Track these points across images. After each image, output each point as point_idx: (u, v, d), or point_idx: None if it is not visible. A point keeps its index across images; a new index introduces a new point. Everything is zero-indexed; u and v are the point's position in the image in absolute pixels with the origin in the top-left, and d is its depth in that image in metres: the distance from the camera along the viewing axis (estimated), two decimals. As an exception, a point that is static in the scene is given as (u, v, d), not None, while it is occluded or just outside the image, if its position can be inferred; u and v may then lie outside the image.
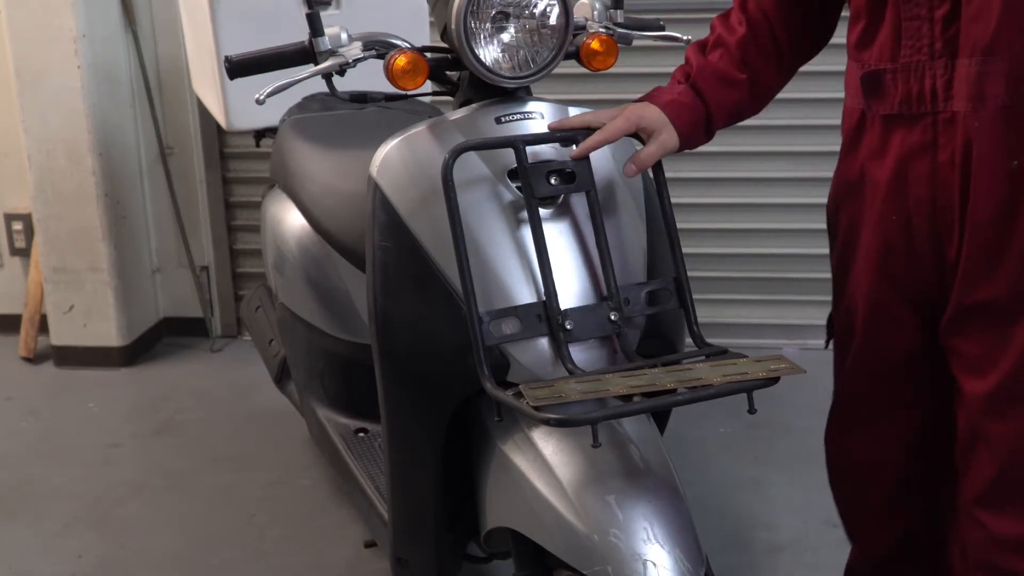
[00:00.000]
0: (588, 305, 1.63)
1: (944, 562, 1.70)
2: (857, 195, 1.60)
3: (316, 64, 1.78)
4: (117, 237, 3.68)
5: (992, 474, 1.54)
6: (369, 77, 1.89)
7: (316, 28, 1.76)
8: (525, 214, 1.61)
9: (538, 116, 1.72)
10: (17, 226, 3.93)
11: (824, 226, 1.73)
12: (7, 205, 3.95)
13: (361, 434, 2.39)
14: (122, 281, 3.72)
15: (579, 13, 1.85)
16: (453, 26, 1.66)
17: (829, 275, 1.74)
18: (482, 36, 1.68)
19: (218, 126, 3.31)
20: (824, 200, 1.72)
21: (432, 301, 1.65)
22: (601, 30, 1.86)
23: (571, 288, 1.63)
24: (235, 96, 2.82)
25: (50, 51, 3.48)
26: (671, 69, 1.77)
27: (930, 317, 1.58)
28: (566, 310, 1.60)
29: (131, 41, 3.69)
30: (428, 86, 1.85)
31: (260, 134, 2.96)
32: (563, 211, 1.68)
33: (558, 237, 1.65)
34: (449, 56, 1.77)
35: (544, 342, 1.61)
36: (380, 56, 1.75)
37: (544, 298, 1.60)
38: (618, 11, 1.88)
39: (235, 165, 3.87)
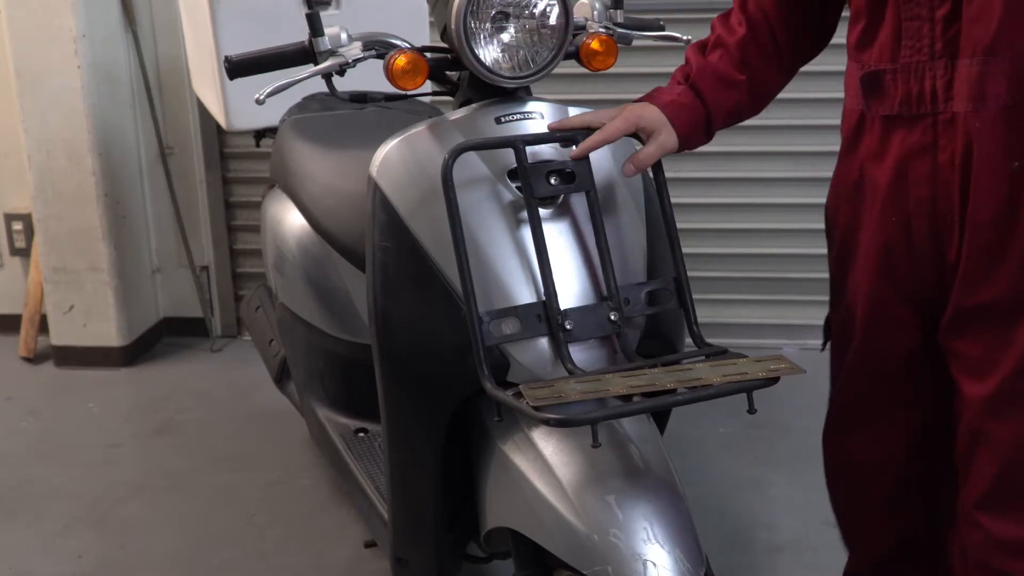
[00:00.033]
0: (588, 305, 1.62)
1: (944, 563, 1.69)
2: (857, 196, 1.60)
3: (316, 64, 1.78)
4: (117, 237, 3.68)
5: (992, 477, 1.54)
6: (369, 77, 1.89)
7: (316, 28, 1.76)
8: (525, 214, 1.61)
9: (538, 116, 1.72)
10: (17, 226, 3.93)
11: (824, 226, 1.73)
12: (7, 205, 3.95)
13: (361, 434, 2.39)
14: (122, 281, 3.72)
15: (579, 13, 1.85)
16: (453, 26, 1.66)
17: (829, 275, 1.73)
18: (482, 36, 1.68)
19: (218, 126, 3.31)
20: (824, 200, 1.71)
21: (432, 301, 1.65)
22: (601, 30, 1.86)
23: (571, 288, 1.63)
24: (235, 96, 2.82)
25: (50, 51, 3.48)
26: (671, 69, 1.77)
27: (930, 317, 1.57)
28: (566, 310, 1.60)
29: (131, 41, 3.69)
30: (428, 86, 1.85)
31: (260, 134, 2.96)
32: (563, 211, 1.68)
33: (558, 237, 1.65)
34: (449, 56, 1.77)
35: (544, 342, 1.61)
36: (380, 56, 1.75)
37: (544, 298, 1.60)
38: (618, 11, 1.88)
39: (235, 165, 3.87)
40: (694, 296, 1.70)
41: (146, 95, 3.73)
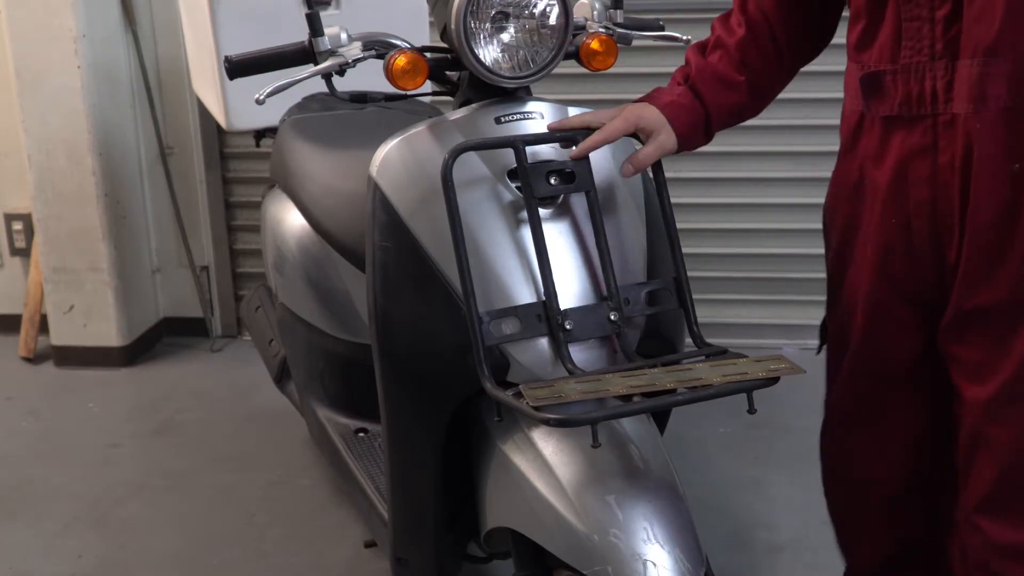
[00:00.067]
0: (588, 305, 1.62)
1: (944, 566, 1.68)
2: (856, 197, 1.59)
3: (316, 64, 1.78)
4: (117, 237, 3.68)
5: (991, 480, 1.53)
6: (369, 77, 1.89)
7: (316, 28, 1.76)
8: (525, 214, 1.61)
9: (538, 116, 1.72)
10: (17, 226, 3.93)
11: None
12: (7, 205, 3.95)
13: (361, 434, 2.39)
14: (122, 281, 3.72)
15: (579, 13, 1.85)
16: (453, 26, 1.66)
17: (826, 277, 1.72)
18: (482, 36, 1.68)
19: (218, 126, 3.31)
20: (824, 200, 1.71)
21: (432, 301, 1.65)
22: (601, 30, 1.85)
23: (571, 288, 1.63)
24: (235, 96, 2.82)
25: (50, 51, 3.48)
26: (671, 69, 1.77)
27: (931, 319, 1.57)
28: (566, 310, 1.60)
29: (131, 41, 3.69)
30: (428, 86, 1.85)
31: (260, 134, 2.96)
32: (563, 211, 1.68)
33: (558, 237, 1.65)
34: (449, 56, 1.77)
35: (544, 342, 1.61)
36: (380, 56, 1.75)
37: (544, 298, 1.60)
38: (618, 11, 1.88)
39: (235, 165, 3.87)
40: (694, 296, 1.70)
41: (146, 95, 3.73)
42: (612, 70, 1.89)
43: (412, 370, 1.71)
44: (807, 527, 2.54)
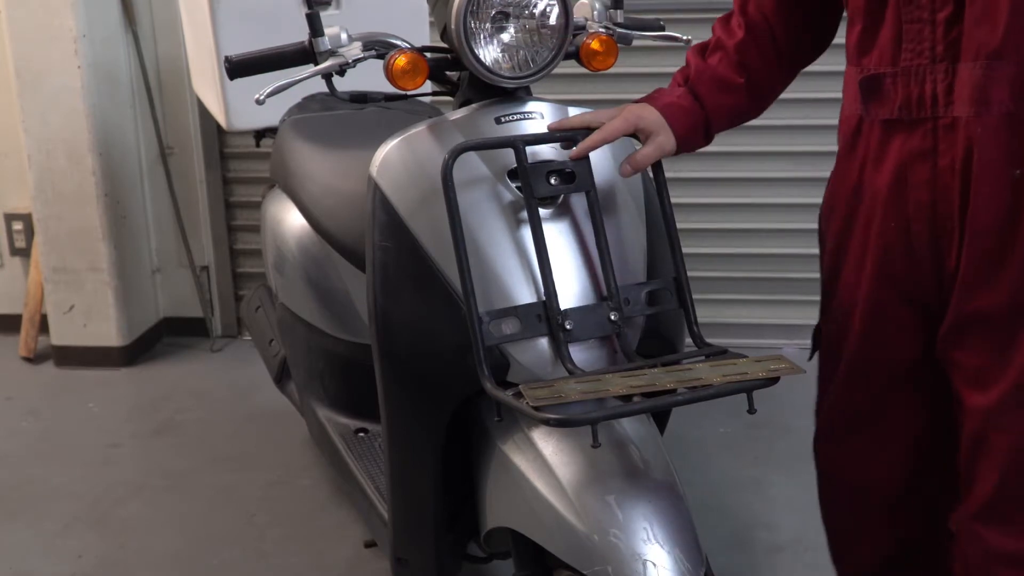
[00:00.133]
0: (588, 305, 1.62)
1: (944, 567, 1.67)
2: (854, 201, 1.58)
3: (316, 64, 1.78)
4: (117, 237, 3.68)
5: (991, 488, 1.52)
6: (369, 77, 1.89)
7: (316, 28, 1.76)
8: (525, 214, 1.61)
9: (538, 116, 1.72)
10: (17, 226, 3.93)
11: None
12: (7, 205, 3.95)
13: (361, 434, 2.39)
14: (122, 281, 3.72)
15: (579, 13, 1.85)
16: (453, 26, 1.66)
17: (821, 282, 1.71)
18: (482, 36, 1.68)
19: (218, 126, 3.31)
20: (824, 200, 1.71)
21: (432, 301, 1.65)
22: (601, 30, 1.85)
23: (571, 288, 1.63)
24: (235, 96, 2.82)
25: (50, 51, 3.48)
26: (671, 69, 1.77)
27: (930, 324, 1.55)
28: (566, 310, 1.60)
29: (131, 41, 3.69)
30: (428, 86, 1.85)
31: (260, 134, 2.96)
32: (563, 211, 1.68)
33: (558, 237, 1.65)
34: (449, 56, 1.77)
35: (544, 342, 1.61)
36: (380, 56, 1.75)
37: (544, 298, 1.60)
38: (618, 11, 1.88)
39: (235, 165, 3.87)
40: (694, 296, 1.70)
41: (146, 95, 3.73)
42: (612, 70, 1.89)
43: (412, 370, 1.71)
44: (807, 527, 2.53)
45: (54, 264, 3.68)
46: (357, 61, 1.76)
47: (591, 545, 1.45)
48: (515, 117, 1.71)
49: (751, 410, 1.49)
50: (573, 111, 1.74)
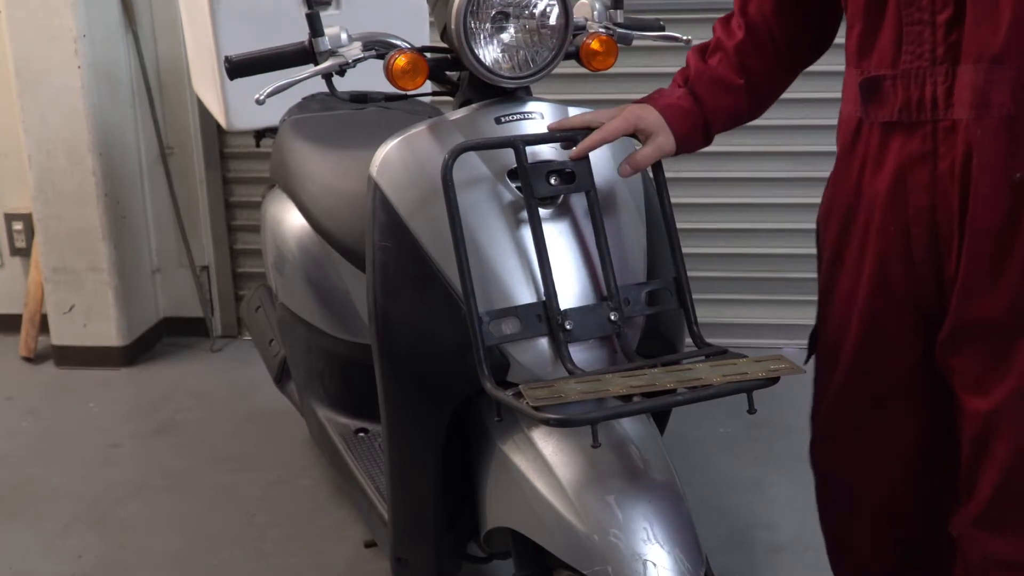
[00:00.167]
0: (588, 305, 1.62)
1: (945, 568, 1.67)
2: (853, 204, 1.57)
3: (316, 64, 1.78)
4: (117, 237, 3.68)
5: (991, 493, 1.51)
6: (369, 77, 1.89)
7: (316, 28, 1.76)
8: (525, 214, 1.61)
9: (538, 116, 1.72)
10: (17, 226, 3.93)
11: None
12: (7, 205, 3.95)
13: (361, 434, 2.39)
14: (122, 281, 3.72)
15: (579, 13, 1.85)
16: (453, 26, 1.66)
17: (818, 286, 1.70)
18: (482, 36, 1.68)
19: (218, 126, 3.31)
20: (824, 200, 1.70)
21: (432, 301, 1.65)
22: (601, 30, 1.85)
23: (571, 288, 1.63)
24: (235, 96, 2.82)
25: (50, 51, 3.48)
26: (671, 69, 1.77)
27: (929, 330, 1.54)
28: (566, 310, 1.60)
29: (131, 41, 3.69)
30: (428, 86, 1.85)
31: (260, 134, 2.96)
32: (563, 211, 1.68)
33: (558, 237, 1.65)
34: (449, 56, 1.77)
35: (544, 342, 1.61)
36: (380, 56, 1.75)
37: (544, 298, 1.60)
38: (618, 11, 1.88)
39: (235, 165, 3.87)
40: (694, 296, 1.70)
41: (146, 95, 3.73)
42: (612, 70, 1.89)
43: (412, 370, 1.71)
44: (807, 527, 2.52)
45: (54, 264, 3.68)
46: (357, 61, 1.76)
47: (591, 545, 1.45)
48: (515, 117, 1.71)
49: (751, 410, 1.49)
50: (573, 111, 1.74)
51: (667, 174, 1.70)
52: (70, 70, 3.49)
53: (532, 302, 1.60)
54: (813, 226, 1.71)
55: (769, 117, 1.80)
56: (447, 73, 1.82)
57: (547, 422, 1.41)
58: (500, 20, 1.69)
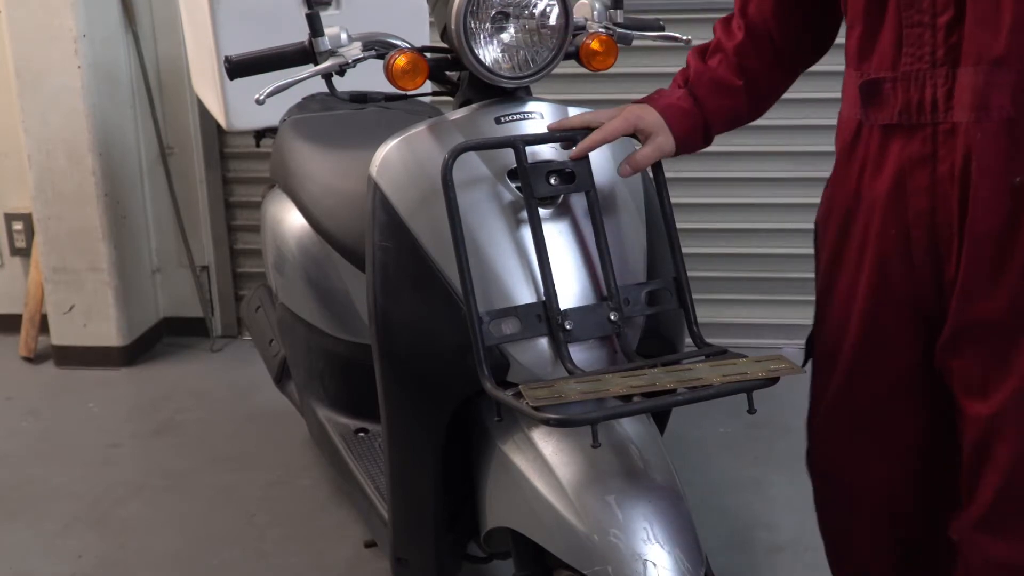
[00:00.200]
0: (588, 305, 1.62)
1: (946, 569, 1.67)
2: (852, 206, 1.56)
3: (316, 64, 1.78)
4: (117, 237, 3.68)
5: (992, 497, 1.50)
6: (369, 77, 1.89)
7: (316, 28, 1.76)
8: (525, 214, 1.61)
9: (538, 116, 1.72)
10: (17, 226, 3.93)
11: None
12: (7, 205, 3.95)
13: (361, 434, 2.39)
14: (122, 281, 3.72)
15: (579, 13, 1.85)
16: (453, 26, 1.66)
17: (816, 290, 1.69)
18: (482, 36, 1.68)
19: (218, 126, 3.31)
20: (824, 199, 1.70)
21: (432, 301, 1.65)
22: (601, 30, 1.85)
23: (571, 288, 1.63)
24: (235, 96, 2.82)
25: (50, 51, 3.48)
26: (671, 69, 1.77)
27: (929, 330, 1.53)
28: (566, 310, 1.60)
29: (131, 41, 3.69)
30: (428, 86, 1.85)
31: (260, 134, 2.96)
32: (563, 211, 1.68)
33: (558, 237, 1.65)
34: (449, 56, 1.77)
35: (544, 342, 1.61)
36: (380, 56, 1.75)
37: (544, 298, 1.60)
38: (618, 11, 1.88)
39: (235, 165, 3.87)
40: (694, 296, 1.70)
41: (146, 95, 3.73)
42: (612, 70, 1.89)
43: (412, 370, 1.71)
44: (807, 527, 2.52)
45: (54, 264, 3.68)
46: (357, 61, 1.76)
47: (591, 545, 1.45)
48: (515, 117, 1.71)
49: (751, 410, 1.49)
50: (573, 111, 1.74)
51: (667, 174, 1.70)
52: (70, 70, 3.49)
53: (532, 302, 1.60)
54: (813, 226, 1.71)
55: (769, 117, 1.80)
56: (447, 73, 1.82)
57: (547, 422, 1.41)
58: (500, 20, 1.69)
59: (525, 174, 1.60)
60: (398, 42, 1.78)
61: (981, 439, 1.50)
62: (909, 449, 1.65)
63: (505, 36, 1.70)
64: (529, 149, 1.62)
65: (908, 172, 1.47)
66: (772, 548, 2.55)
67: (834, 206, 1.61)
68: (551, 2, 1.69)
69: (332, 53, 1.76)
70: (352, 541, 2.60)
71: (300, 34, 1.79)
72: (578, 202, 1.67)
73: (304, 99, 2.73)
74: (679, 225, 1.72)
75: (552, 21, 1.69)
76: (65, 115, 3.53)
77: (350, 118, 2.62)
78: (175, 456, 3.10)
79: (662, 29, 1.98)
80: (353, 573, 2.51)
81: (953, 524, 1.59)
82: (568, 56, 1.77)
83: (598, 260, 1.64)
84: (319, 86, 1.82)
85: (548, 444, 1.57)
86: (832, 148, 1.65)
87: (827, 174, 1.65)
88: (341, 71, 1.77)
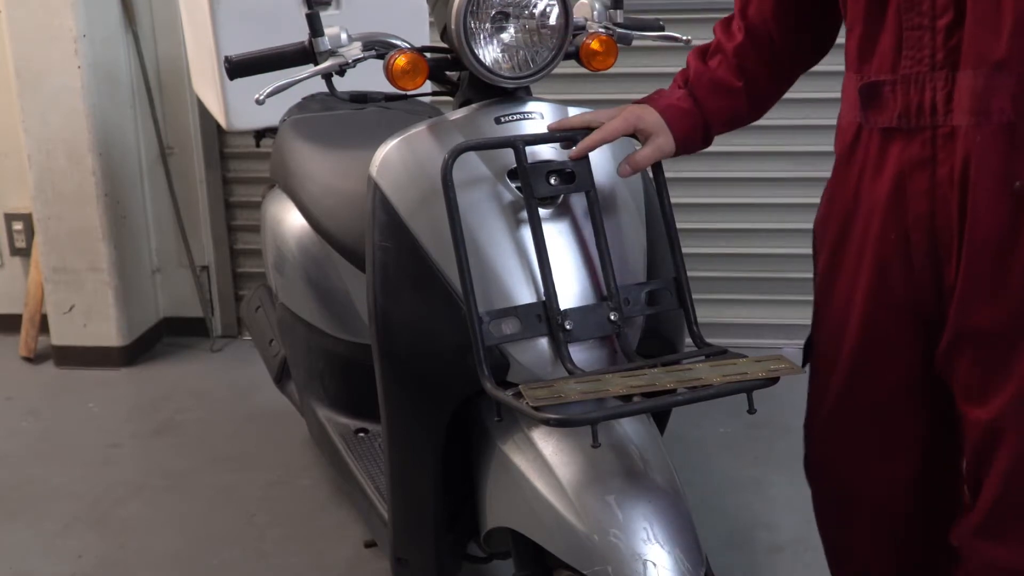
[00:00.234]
0: (588, 305, 1.62)
1: (946, 569, 1.66)
2: (852, 210, 1.55)
3: (316, 64, 1.78)
4: (117, 237, 3.68)
5: (992, 503, 1.50)
6: (369, 77, 1.89)
7: (316, 28, 1.76)
8: (525, 214, 1.61)
9: (538, 116, 1.72)
10: (17, 226, 3.93)
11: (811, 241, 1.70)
12: (7, 205, 3.95)
13: (361, 434, 2.39)
14: (122, 281, 3.72)
15: (579, 13, 1.85)
16: (453, 26, 1.66)
17: (814, 294, 1.69)
18: (482, 36, 1.68)
19: (218, 126, 3.31)
20: (824, 200, 1.70)
21: (432, 301, 1.65)
22: (601, 30, 1.85)
23: (571, 288, 1.63)
24: (235, 96, 2.82)
25: (50, 51, 3.48)
26: (671, 69, 1.77)
27: (929, 335, 1.52)
28: (566, 310, 1.60)
29: (131, 41, 3.69)
30: (428, 86, 1.85)
31: (260, 134, 2.96)
32: (563, 211, 1.68)
33: (558, 237, 1.65)
34: (449, 56, 1.77)
35: (544, 342, 1.61)
36: (380, 56, 1.75)
37: (544, 298, 1.60)
38: (618, 11, 1.88)
39: (235, 165, 3.87)
40: (694, 296, 1.70)
41: (146, 95, 3.73)
42: (612, 70, 1.89)
43: (412, 370, 1.71)
44: (807, 527, 2.52)
45: (54, 264, 3.68)
46: (357, 61, 1.76)
47: (591, 545, 1.45)
48: (515, 117, 1.71)
49: (751, 410, 1.49)
50: (573, 111, 1.74)
51: (667, 174, 1.70)
52: (70, 70, 3.49)
53: (532, 302, 1.60)
54: (812, 226, 1.71)
55: (769, 117, 1.80)
56: (447, 73, 1.82)
57: (547, 422, 1.41)
58: (500, 20, 1.69)
59: (525, 174, 1.60)
60: (398, 42, 1.78)
61: (981, 444, 1.50)
62: (909, 450, 1.64)
63: (505, 36, 1.69)
64: (529, 149, 1.62)
65: (908, 175, 1.47)
66: (772, 548, 2.55)
67: (833, 209, 1.61)
68: (551, 2, 1.69)
69: (332, 53, 1.76)
70: (352, 541, 2.60)
71: (300, 34, 1.79)
72: (578, 202, 1.67)
73: (304, 99, 2.73)
74: (679, 225, 1.72)
75: (552, 21, 1.69)
76: (65, 115, 3.53)
77: (350, 118, 2.62)
78: (175, 456, 3.10)
79: (662, 29, 1.98)
80: (353, 573, 2.51)
81: (954, 530, 1.59)
82: (568, 56, 1.77)
83: (598, 260, 1.64)
84: (319, 86, 1.82)
85: (548, 444, 1.57)
86: (832, 148, 1.64)
87: (827, 174, 1.65)
88: (341, 71, 1.77)
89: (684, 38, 1.98)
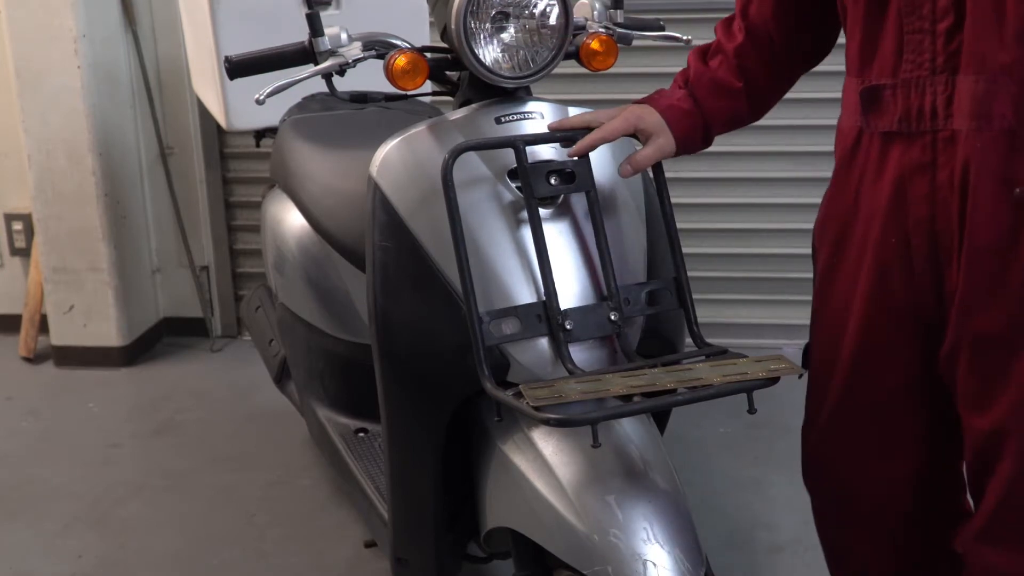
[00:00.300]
0: (588, 305, 1.62)
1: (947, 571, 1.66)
2: (852, 214, 1.55)
3: (316, 64, 1.78)
4: (117, 237, 3.68)
5: (992, 508, 1.50)
6: (369, 77, 1.89)
7: (316, 28, 1.76)
8: (525, 214, 1.61)
9: (538, 116, 1.72)
10: (17, 226, 3.93)
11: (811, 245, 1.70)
12: (7, 205, 3.95)
13: (361, 434, 2.39)
14: (122, 281, 3.72)
15: (579, 13, 1.85)
16: (453, 26, 1.66)
17: (813, 298, 1.69)
18: (482, 36, 1.68)
19: (218, 126, 3.31)
20: (824, 200, 1.70)
21: (432, 301, 1.65)
22: (601, 30, 1.85)
23: (571, 288, 1.63)
24: (235, 96, 2.82)
25: (50, 51, 3.48)
26: (671, 69, 1.77)
27: (929, 340, 1.52)
28: (566, 310, 1.60)
29: (131, 41, 3.69)
30: (428, 86, 1.85)
31: (260, 134, 2.96)
32: (563, 211, 1.68)
33: (558, 237, 1.65)
34: (449, 56, 1.77)
35: (544, 342, 1.61)
36: (380, 56, 1.75)
37: (544, 298, 1.60)
38: (618, 11, 1.88)
39: (235, 165, 3.87)
40: (694, 296, 1.70)
41: (146, 95, 3.73)
42: (612, 70, 1.89)
43: (412, 370, 1.71)
44: (807, 527, 2.51)
45: (54, 264, 3.68)
46: (357, 61, 1.76)
47: (591, 545, 1.45)
48: (515, 117, 1.71)
49: (751, 410, 1.49)
50: (573, 111, 1.74)
51: (667, 174, 1.70)
52: (70, 70, 3.49)
53: (532, 302, 1.60)
54: (812, 226, 1.70)
55: (769, 117, 1.80)
56: (447, 73, 1.82)
57: (547, 422, 1.41)
58: (500, 20, 1.69)
59: (525, 174, 1.60)
60: (398, 42, 1.78)
61: (983, 450, 1.49)
62: (908, 449, 1.64)
63: (505, 36, 1.70)
64: (529, 149, 1.62)
65: (908, 179, 1.46)
66: (772, 548, 2.55)
67: (833, 213, 1.60)
68: (551, 2, 1.69)
69: (332, 53, 1.76)
70: (352, 541, 2.60)
71: (300, 34, 1.79)
72: (578, 202, 1.67)
73: (304, 99, 2.73)
74: (679, 225, 1.72)
75: (552, 21, 1.69)
76: (65, 115, 3.53)
77: (350, 118, 2.62)
78: (175, 456, 3.10)
79: (662, 29, 1.98)
80: (353, 573, 2.51)
81: (957, 536, 1.59)
82: (568, 56, 1.77)
83: (598, 260, 1.64)
84: (319, 86, 1.82)
85: (548, 444, 1.57)
86: (832, 149, 1.64)
87: (827, 174, 1.64)
88: (341, 71, 1.77)
89: (684, 38, 1.98)
